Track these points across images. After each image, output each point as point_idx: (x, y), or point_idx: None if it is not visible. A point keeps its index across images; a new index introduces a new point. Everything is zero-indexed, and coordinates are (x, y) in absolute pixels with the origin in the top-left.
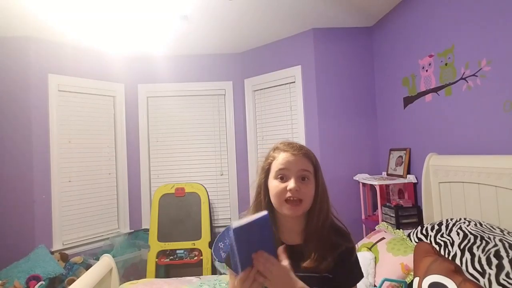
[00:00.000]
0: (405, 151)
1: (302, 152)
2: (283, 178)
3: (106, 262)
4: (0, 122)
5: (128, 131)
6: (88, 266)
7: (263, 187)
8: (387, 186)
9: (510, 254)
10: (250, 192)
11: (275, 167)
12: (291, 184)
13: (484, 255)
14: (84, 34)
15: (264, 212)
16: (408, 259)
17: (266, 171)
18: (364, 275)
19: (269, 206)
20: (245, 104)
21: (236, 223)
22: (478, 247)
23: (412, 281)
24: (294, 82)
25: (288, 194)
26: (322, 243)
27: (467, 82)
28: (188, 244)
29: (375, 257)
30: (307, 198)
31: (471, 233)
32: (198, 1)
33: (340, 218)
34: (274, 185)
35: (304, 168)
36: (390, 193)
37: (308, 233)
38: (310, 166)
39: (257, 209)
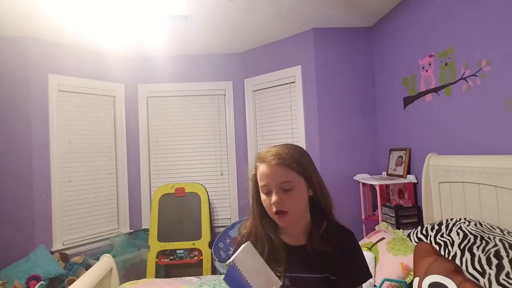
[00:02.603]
0: (405, 151)
1: (276, 162)
2: (267, 192)
3: (106, 262)
4: (0, 122)
5: (128, 131)
6: (88, 266)
7: (255, 197)
8: (387, 186)
9: (510, 254)
10: (250, 192)
11: (259, 180)
12: (273, 198)
13: (484, 255)
14: (84, 34)
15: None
16: (408, 259)
17: (255, 182)
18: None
19: (264, 213)
20: (245, 104)
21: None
22: (478, 247)
23: (412, 281)
24: (294, 82)
25: (273, 208)
26: (324, 243)
27: (467, 82)
28: (188, 244)
29: (375, 257)
30: (293, 209)
31: (471, 233)
32: (198, 1)
33: (339, 219)
34: (262, 198)
35: (282, 181)
36: (390, 193)
37: (310, 234)
38: (289, 173)
39: (253, 217)
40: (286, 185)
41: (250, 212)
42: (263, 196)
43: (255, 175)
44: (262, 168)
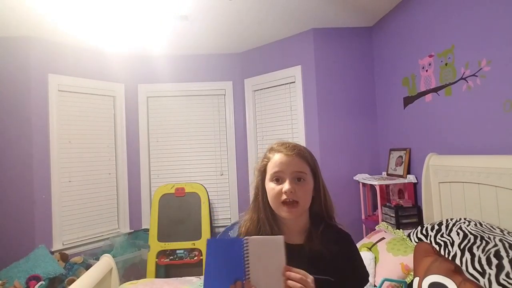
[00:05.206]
0: (405, 151)
1: (296, 152)
2: (278, 180)
3: (106, 262)
4: (0, 122)
5: (128, 131)
6: (88, 266)
7: (261, 188)
8: (387, 186)
9: (510, 254)
10: (250, 192)
11: (270, 168)
12: (286, 186)
13: (484, 255)
14: (84, 34)
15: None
16: (408, 259)
17: (262, 173)
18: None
19: (267, 207)
20: (245, 104)
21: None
22: (478, 247)
23: (412, 281)
24: (294, 82)
25: (284, 196)
26: (323, 245)
27: (467, 82)
28: (188, 244)
29: (375, 257)
30: (303, 200)
31: (471, 233)
32: (198, 1)
33: (339, 220)
34: (270, 187)
35: (298, 170)
36: (390, 193)
37: (309, 234)
38: (305, 166)
39: (255, 211)
40: (301, 175)
41: (251, 206)
42: (271, 185)
43: (265, 165)
44: (278, 157)
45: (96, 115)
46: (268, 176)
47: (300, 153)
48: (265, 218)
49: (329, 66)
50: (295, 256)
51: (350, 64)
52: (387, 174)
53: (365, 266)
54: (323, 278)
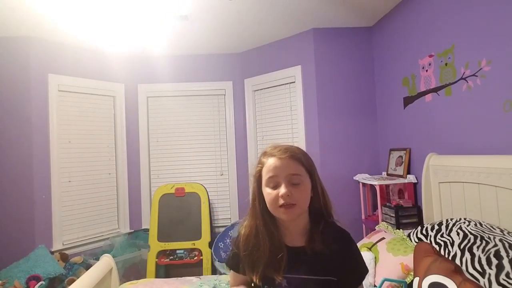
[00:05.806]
0: (405, 151)
1: (289, 155)
2: (274, 184)
3: (106, 262)
4: (0, 122)
5: (128, 131)
6: (88, 266)
7: (257, 194)
8: (387, 186)
9: (510, 254)
10: (250, 192)
11: (265, 174)
12: (282, 190)
13: (484, 255)
14: (84, 34)
15: None
16: (408, 259)
17: (258, 179)
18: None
19: (265, 212)
20: (245, 104)
21: None
22: (478, 247)
23: (412, 281)
24: (294, 82)
25: (281, 201)
26: (324, 245)
27: (467, 82)
28: (188, 244)
29: (375, 257)
30: (300, 201)
31: (471, 233)
32: (198, 1)
33: (338, 218)
34: (267, 192)
35: (293, 172)
36: (390, 193)
37: (310, 235)
38: (299, 167)
39: (253, 217)
40: (295, 178)
41: (250, 212)
42: (268, 190)
43: (259, 171)
44: (272, 161)
45: (96, 115)
46: (263, 181)
47: (293, 155)
48: (262, 225)
49: (329, 66)
50: (297, 258)
51: (350, 64)
52: (387, 174)
53: (365, 263)
54: (326, 279)
